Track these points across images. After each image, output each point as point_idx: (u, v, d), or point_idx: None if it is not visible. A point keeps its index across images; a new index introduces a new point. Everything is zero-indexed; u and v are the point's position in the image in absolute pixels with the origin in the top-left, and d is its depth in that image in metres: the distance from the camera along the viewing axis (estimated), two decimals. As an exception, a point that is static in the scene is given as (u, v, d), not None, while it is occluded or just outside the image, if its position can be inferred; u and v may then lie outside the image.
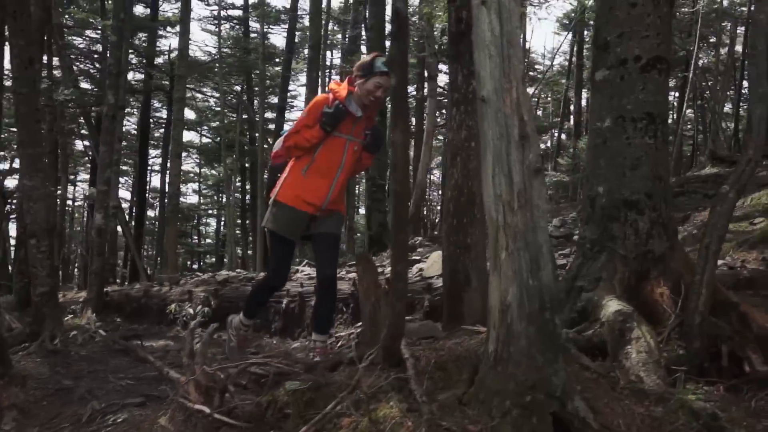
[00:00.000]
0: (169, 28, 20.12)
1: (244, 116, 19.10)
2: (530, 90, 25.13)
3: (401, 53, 2.70)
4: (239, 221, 21.79)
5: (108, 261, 10.58)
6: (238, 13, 20.42)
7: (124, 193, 27.00)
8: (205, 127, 26.17)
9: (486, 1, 2.56)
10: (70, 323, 8.47)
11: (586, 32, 16.94)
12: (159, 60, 19.92)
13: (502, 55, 2.47)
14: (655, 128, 3.48)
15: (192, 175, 31.05)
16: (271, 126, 17.97)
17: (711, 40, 23.18)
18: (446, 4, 4.70)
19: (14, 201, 20.58)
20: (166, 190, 13.88)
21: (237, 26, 21.35)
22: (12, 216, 21.30)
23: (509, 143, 2.42)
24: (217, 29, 20.18)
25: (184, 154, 27.72)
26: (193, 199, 32.25)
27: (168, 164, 14.60)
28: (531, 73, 24.77)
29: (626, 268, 3.44)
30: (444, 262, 5.01)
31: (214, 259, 27.55)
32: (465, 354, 2.75)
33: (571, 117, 19.12)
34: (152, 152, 25.75)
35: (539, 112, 23.55)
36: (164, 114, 22.72)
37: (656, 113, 3.49)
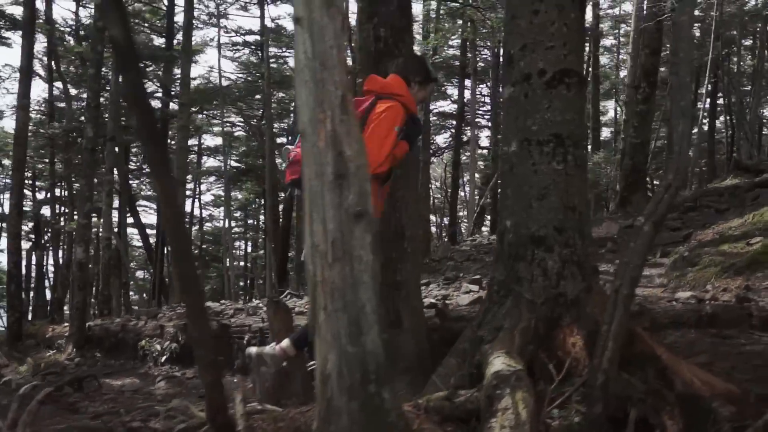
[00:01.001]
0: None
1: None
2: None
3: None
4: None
5: (102, 292, 10.48)
6: (256, 38, 20.44)
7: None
8: (234, 153, 26.32)
9: (300, 18, 2.18)
10: (49, 359, 8.39)
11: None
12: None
13: (315, 80, 2.09)
14: (564, 151, 3.03)
15: (223, 198, 31.32)
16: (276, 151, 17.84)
17: (747, 43, 22.18)
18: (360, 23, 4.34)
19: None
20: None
21: (256, 51, 21.39)
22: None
23: (323, 184, 2.04)
24: (234, 55, 20.26)
25: (212, 178, 28.15)
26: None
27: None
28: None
29: (533, 315, 2.98)
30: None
31: (242, 283, 27.55)
32: (303, 428, 2.36)
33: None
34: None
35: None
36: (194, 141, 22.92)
37: (565, 134, 3.03)
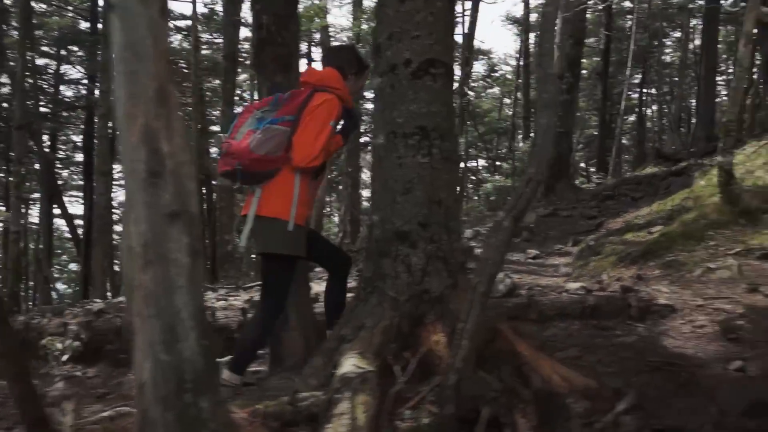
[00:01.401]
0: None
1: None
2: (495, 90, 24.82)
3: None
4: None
5: (12, 288, 10.01)
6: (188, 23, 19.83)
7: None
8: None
9: (113, 5, 2.01)
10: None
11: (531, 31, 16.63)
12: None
13: (127, 72, 1.94)
14: (429, 144, 2.94)
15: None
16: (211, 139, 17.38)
17: (676, 35, 22.83)
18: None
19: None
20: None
21: (188, 37, 20.77)
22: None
23: (135, 182, 1.90)
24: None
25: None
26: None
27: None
28: (494, 74, 24.35)
29: (396, 313, 2.89)
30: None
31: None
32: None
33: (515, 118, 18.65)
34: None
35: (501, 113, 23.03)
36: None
37: (431, 126, 2.95)
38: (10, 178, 14.02)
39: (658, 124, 21.38)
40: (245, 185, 3.15)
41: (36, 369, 7.34)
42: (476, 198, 14.86)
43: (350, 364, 2.55)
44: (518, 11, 20.03)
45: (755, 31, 5.82)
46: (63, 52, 19.71)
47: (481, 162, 21.30)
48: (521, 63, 17.44)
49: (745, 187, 5.61)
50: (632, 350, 3.24)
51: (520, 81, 18.35)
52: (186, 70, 16.82)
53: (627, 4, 17.67)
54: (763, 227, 5.06)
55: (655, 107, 24.27)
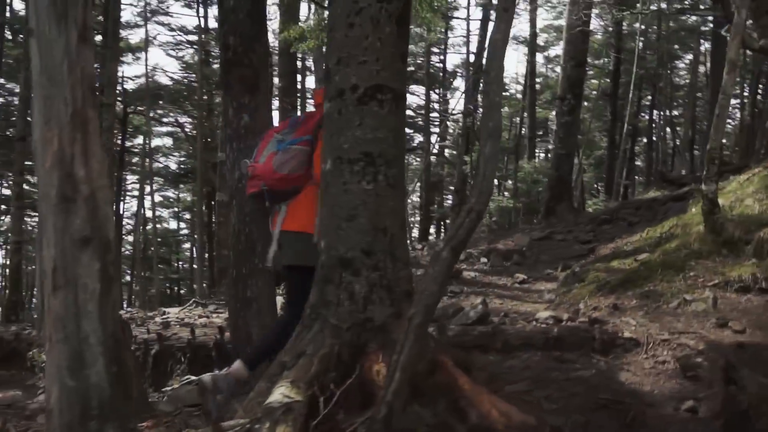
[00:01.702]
0: (129, 55, 19.92)
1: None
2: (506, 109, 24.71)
3: None
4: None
5: (10, 298, 10.09)
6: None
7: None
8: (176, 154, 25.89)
9: (31, 30, 2.02)
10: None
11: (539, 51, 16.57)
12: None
13: (43, 96, 1.95)
14: (375, 171, 2.90)
15: (171, 200, 30.78)
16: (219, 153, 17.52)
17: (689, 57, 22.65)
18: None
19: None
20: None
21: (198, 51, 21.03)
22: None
23: (48, 206, 1.91)
24: (177, 54, 19.89)
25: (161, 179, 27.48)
26: (174, 224, 31.91)
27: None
28: (504, 94, 24.24)
29: (337, 341, 2.84)
30: (229, 317, 4.47)
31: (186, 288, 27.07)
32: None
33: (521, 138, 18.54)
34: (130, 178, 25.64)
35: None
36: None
37: (377, 153, 2.91)
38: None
39: (672, 147, 21.12)
40: (273, 204, 3.32)
41: (23, 380, 7.40)
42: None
43: (279, 393, 2.51)
44: (525, 30, 19.92)
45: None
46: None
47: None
48: (528, 83, 17.36)
49: (730, 216, 5.49)
50: (585, 385, 3.16)
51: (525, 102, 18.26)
52: (195, 84, 17.02)
53: (637, 25, 17.54)
54: (744, 258, 4.94)
55: (669, 129, 24.07)
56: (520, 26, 27.51)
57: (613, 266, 5.92)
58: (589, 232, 8.91)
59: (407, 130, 23.64)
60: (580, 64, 11.26)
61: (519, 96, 22.93)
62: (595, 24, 18.28)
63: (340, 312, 2.87)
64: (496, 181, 22.56)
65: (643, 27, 17.93)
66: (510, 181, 15.75)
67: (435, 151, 20.97)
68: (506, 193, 16.35)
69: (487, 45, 3.52)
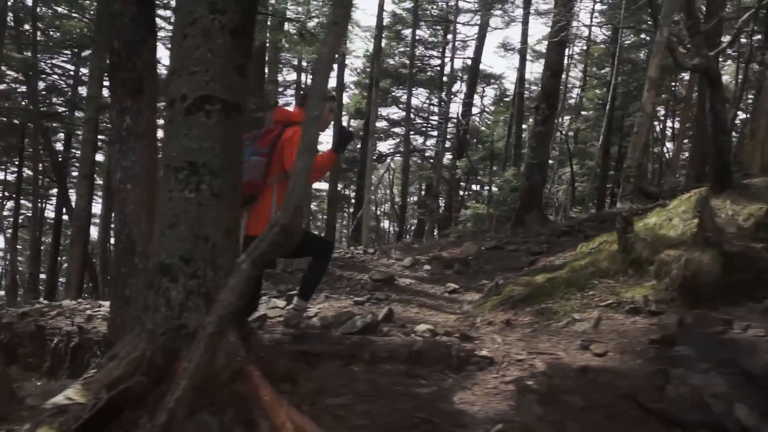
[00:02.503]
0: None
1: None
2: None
3: None
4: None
5: None
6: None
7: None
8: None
9: None
10: None
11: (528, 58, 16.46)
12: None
13: None
14: (198, 180, 2.94)
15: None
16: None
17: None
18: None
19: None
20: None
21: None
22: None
23: None
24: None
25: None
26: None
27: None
28: (506, 99, 24.20)
29: (151, 345, 2.88)
30: (109, 314, 4.54)
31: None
32: None
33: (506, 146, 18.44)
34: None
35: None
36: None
37: (201, 162, 2.95)
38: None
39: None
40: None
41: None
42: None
43: (63, 394, 2.56)
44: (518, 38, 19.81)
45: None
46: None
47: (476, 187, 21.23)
48: (516, 91, 17.26)
49: (644, 235, 5.43)
50: (414, 403, 3.16)
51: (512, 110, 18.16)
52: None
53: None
54: (646, 279, 4.90)
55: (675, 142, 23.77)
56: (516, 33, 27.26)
57: (534, 280, 5.88)
58: (544, 243, 8.84)
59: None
60: (555, 74, 11.17)
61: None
62: (598, 33, 18.16)
63: (157, 317, 2.91)
64: (477, 187, 22.66)
65: (643, 37, 17.75)
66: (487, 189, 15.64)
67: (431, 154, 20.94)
68: (477, 203, 16.27)
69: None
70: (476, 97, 19.68)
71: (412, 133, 22.53)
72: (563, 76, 23.14)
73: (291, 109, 4.19)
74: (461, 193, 20.71)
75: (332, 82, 19.08)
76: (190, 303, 2.92)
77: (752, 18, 9.30)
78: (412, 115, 22.41)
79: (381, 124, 23.22)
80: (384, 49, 21.49)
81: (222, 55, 2.99)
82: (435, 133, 22.57)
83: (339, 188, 22.56)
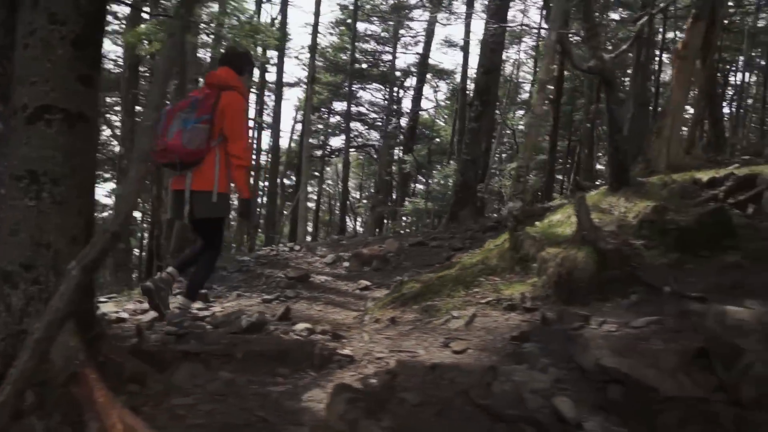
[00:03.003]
0: None
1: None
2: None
3: None
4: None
5: None
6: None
7: None
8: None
9: None
10: None
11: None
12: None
13: None
14: (38, 188, 3.01)
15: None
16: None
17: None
18: None
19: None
20: None
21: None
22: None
23: None
24: None
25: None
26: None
27: None
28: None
29: (-10, 351, 2.95)
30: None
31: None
32: None
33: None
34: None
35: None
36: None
37: (41, 171, 3.01)
38: None
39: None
40: (183, 171, 4.09)
41: None
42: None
43: None
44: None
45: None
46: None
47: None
48: (460, 87, 17.46)
49: (534, 233, 5.62)
50: (262, 401, 3.27)
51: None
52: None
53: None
54: (529, 276, 5.08)
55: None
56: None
57: (430, 278, 6.04)
58: (468, 239, 9.02)
59: (360, 127, 24.08)
60: (488, 71, 11.35)
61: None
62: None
63: (-3, 323, 2.97)
64: (425, 182, 23.04)
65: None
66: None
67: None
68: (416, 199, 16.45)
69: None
70: (431, 92, 19.84)
71: (366, 128, 22.73)
72: (518, 71, 23.49)
73: (220, 72, 4.26)
74: (413, 187, 20.93)
75: (272, 77, 19.04)
76: (31, 308, 2.99)
77: (647, 23, 9.57)
78: (365, 110, 22.56)
79: (335, 119, 23.34)
80: (336, 44, 21.56)
81: (63, 65, 3.05)
82: (386, 128, 22.68)
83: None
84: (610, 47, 12.99)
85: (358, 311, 5.97)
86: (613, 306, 4.63)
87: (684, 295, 4.55)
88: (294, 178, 24.46)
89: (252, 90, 19.81)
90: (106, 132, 18.13)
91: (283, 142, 24.13)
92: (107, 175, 18.66)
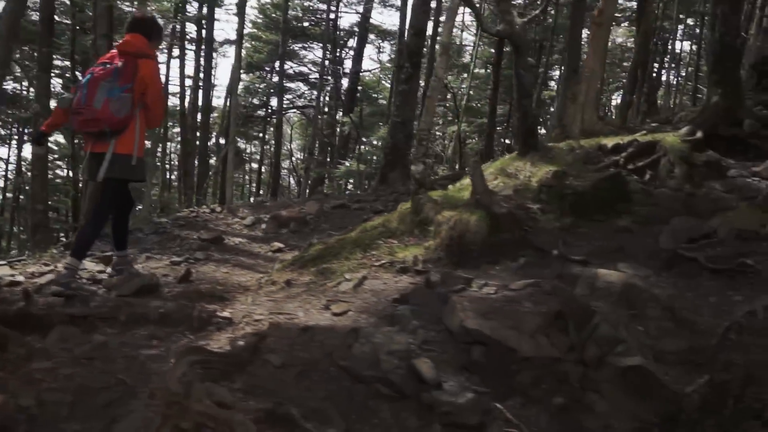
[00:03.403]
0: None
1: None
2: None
3: None
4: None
5: None
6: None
7: None
8: None
9: None
10: None
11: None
12: None
13: None
14: None
15: None
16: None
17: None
18: None
19: None
20: None
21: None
22: None
23: None
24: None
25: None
26: None
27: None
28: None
29: None
30: None
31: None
32: None
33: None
34: None
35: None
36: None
37: None
38: None
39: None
40: (110, 138, 4.24)
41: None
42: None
43: None
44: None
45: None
46: None
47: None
48: (398, 49, 17.33)
49: (437, 197, 5.68)
50: (129, 364, 3.25)
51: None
52: None
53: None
54: (427, 240, 5.14)
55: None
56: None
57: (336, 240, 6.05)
58: (391, 201, 9.04)
59: (302, 87, 23.75)
60: (418, 33, 11.26)
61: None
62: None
63: None
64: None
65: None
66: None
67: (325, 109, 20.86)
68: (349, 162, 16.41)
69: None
70: (374, 53, 19.59)
71: (308, 88, 22.38)
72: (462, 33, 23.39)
73: (130, 39, 4.34)
74: (357, 149, 20.80)
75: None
76: None
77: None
78: (308, 70, 22.18)
79: (277, 79, 22.85)
80: (277, 1, 20.99)
81: None
82: (328, 89, 22.43)
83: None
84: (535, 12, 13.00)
85: (265, 273, 5.96)
86: (502, 269, 4.74)
87: (568, 258, 4.70)
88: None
89: (188, 48, 19.26)
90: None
91: (221, 102, 23.63)
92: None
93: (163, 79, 4.14)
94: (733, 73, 7.20)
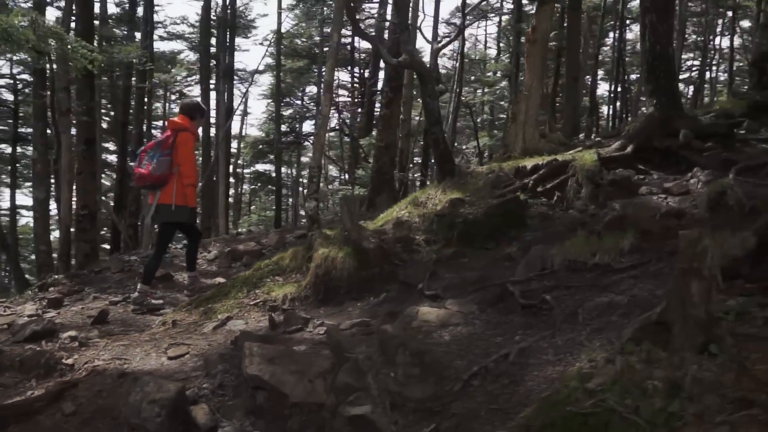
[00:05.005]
0: None
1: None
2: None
3: None
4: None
5: None
6: None
7: None
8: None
9: None
10: None
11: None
12: None
13: None
14: None
15: None
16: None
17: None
18: None
19: None
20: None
21: None
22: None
23: None
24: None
25: None
26: None
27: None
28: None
29: None
30: None
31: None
32: None
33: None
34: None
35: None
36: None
37: None
38: None
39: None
40: (153, 190, 5.98)
41: None
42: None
43: None
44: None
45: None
46: None
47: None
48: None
49: (329, 232, 5.84)
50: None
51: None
52: None
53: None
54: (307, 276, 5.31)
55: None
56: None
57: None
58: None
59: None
60: (397, 55, 11.39)
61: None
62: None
63: None
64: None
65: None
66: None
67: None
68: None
69: None
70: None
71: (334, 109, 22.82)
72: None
73: (177, 119, 6.14)
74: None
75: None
76: None
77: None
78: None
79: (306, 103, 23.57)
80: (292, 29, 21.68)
81: None
82: (359, 110, 22.82)
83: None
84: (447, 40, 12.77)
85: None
86: (363, 305, 4.86)
87: (424, 294, 4.76)
88: (269, 165, 24.84)
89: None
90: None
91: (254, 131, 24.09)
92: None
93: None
94: (667, 82, 7.01)
